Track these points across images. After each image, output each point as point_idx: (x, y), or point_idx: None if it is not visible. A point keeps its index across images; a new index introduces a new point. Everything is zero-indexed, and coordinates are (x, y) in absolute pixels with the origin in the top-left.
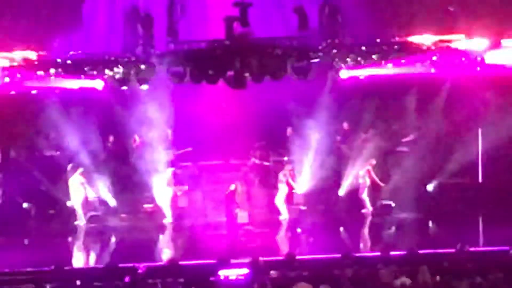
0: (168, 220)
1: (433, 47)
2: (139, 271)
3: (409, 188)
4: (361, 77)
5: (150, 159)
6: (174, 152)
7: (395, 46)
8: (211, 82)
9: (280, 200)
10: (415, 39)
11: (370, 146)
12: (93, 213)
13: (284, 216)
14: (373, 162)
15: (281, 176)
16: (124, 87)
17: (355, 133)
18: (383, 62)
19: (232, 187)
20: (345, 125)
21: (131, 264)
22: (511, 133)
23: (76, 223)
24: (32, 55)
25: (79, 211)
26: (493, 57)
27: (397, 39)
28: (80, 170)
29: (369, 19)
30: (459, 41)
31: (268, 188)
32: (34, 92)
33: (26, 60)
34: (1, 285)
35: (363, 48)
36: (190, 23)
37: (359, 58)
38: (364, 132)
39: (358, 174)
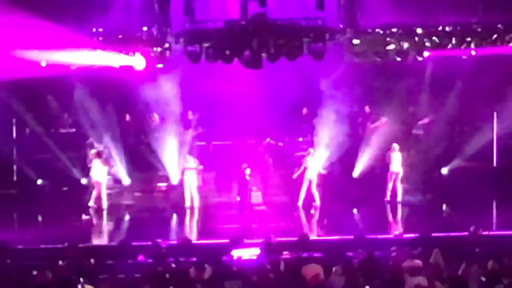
0: (187, 204)
1: None
2: (162, 245)
3: (424, 171)
4: (378, 60)
5: (167, 139)
6: (191, 133)
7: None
8: (227, 61)
9: (313, 187)
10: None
11: (384, 131)
12: (108, 191)
13: (317, 203)
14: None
15: (306, 162)
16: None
17: (374, 116)
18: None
19: (248, 171)
20: (367, 108)
21: (149, 242)
22: None
23: (90, 204)
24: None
25: (103, 194)
26: None
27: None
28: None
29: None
30: None
31: (282, 168)
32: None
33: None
34: (16, 261)
35: (380, 31)
36: (206, 2)
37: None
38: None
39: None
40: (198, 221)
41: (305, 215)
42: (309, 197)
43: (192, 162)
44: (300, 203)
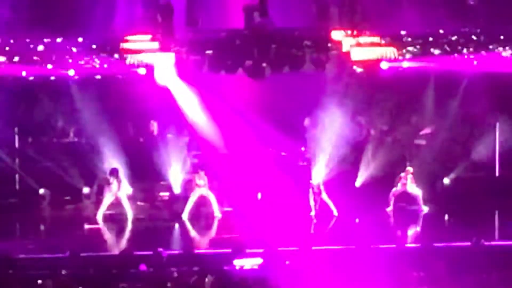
0: (185, 214)
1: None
2: (164, 255)
3: (426, 181)
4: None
5: (166, 147)
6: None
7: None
8: (229, 71)
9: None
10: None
11: (386, 139)
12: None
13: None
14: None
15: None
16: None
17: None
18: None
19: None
20: (362, 120)
21: (150, 252)
22: None
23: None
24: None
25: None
26: None
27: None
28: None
29: (389, 10)
30: None
31: (284, 178)
32: (53, 78)
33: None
34: (17, 271)
35: (382, 40)
36: (209, 12)
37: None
38: (380, 126)
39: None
40: (200, 230)
41: (307, 224)
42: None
43: (203, 180)
44: (313, 213)
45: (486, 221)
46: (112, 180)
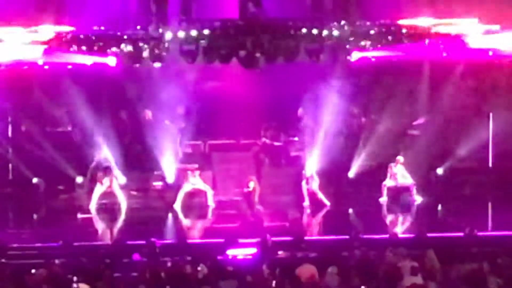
0: (177, 204)
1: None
2: (157, 244)
3: (419, 171)
4: (373, 59)
5: (160, 136)
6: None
7: (405, 30)
8: (223, 61)
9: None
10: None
11: (379, 129)
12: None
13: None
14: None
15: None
16: (137, 65)
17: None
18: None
19: (251, 185)
20: (355, 110)
21: (143, 241)
22: None
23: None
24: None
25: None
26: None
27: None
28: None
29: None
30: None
31: (278, 168)
32: (46, 67)
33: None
34: (10, 260)
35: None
36: (203, 2)
37: (371, 41)
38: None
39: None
40: (193, 220)
41: (300, 214)
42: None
43: (200, 181)
44: (306, 203)
45: (479, 212)
46: (104, 176)
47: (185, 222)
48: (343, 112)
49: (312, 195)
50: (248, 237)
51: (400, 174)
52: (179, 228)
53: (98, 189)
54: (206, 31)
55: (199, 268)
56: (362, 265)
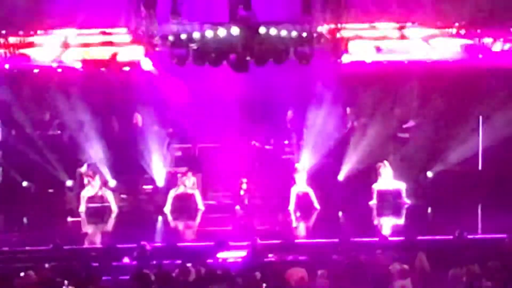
0: (167, 207)
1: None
2: (147, 248)
3: (409, 174)
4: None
5: (150, 139)
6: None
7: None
8: (214, 64)
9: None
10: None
11: (369, 132)
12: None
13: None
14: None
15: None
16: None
17: (355, 118)
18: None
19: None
20: (348, 110)
21: (134, 244)
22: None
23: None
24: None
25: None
26: None
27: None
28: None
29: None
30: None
31: (268, 171)
32: (36, 71)
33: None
34: (0, 263)
35: (365, 33)
36: (193, 5)
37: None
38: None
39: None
40: (183, 223)
41: (290, 218)
42: (300, 200)
43: (192, 181)
44: (291, 207)
45: (469, 215)
46: (94, 179)
47: (175, 225)
48: (333, 115)
49: (303, 197)
50: (238, 240)
51: (388, 177)
52: (169, 231)
53: (88, 192)
54: (196, 34)
55: (189, 272)
56: (351, 268)
